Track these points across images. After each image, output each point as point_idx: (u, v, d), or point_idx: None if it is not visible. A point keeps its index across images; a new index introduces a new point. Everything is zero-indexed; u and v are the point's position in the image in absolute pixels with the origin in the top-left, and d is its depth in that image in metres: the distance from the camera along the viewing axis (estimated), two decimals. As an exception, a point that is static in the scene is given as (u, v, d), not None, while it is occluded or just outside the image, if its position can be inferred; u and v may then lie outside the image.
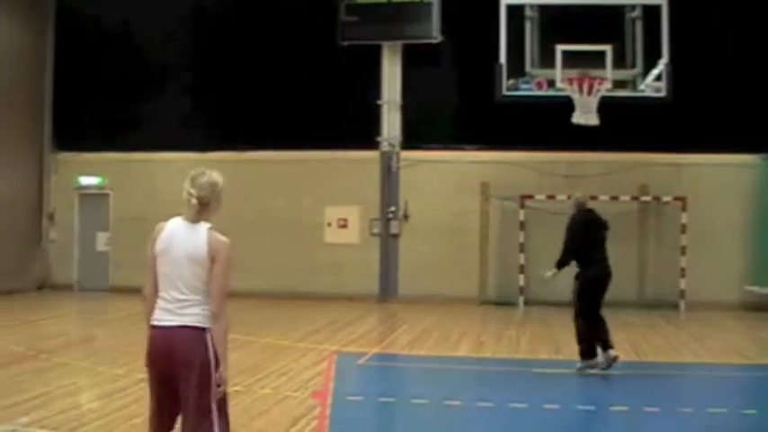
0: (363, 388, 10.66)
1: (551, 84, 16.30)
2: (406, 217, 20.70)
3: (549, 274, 11.29)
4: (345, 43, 20.40)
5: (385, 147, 20.79)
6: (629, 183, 19.48)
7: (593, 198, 17.89)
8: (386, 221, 20.69)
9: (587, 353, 11.15)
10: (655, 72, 16.24)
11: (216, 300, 5.06)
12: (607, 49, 15.92)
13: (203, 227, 5.13)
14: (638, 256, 19.49)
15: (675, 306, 19.04)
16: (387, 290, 20.55)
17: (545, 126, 17.80)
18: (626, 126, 17.92)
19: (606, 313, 11.29)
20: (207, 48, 21.68)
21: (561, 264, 11.25)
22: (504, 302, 19.69)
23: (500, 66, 16.63)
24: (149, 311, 5.17)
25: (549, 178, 19.74)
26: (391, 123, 20.91)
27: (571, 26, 16.35)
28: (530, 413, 8.99)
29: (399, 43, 20.75)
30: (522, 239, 19.59)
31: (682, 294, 19.16)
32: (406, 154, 20.77)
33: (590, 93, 15.74)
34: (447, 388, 10.48)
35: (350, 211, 20.92)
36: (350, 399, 9.70)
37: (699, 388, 10.99)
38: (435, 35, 20.11)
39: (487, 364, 12.68)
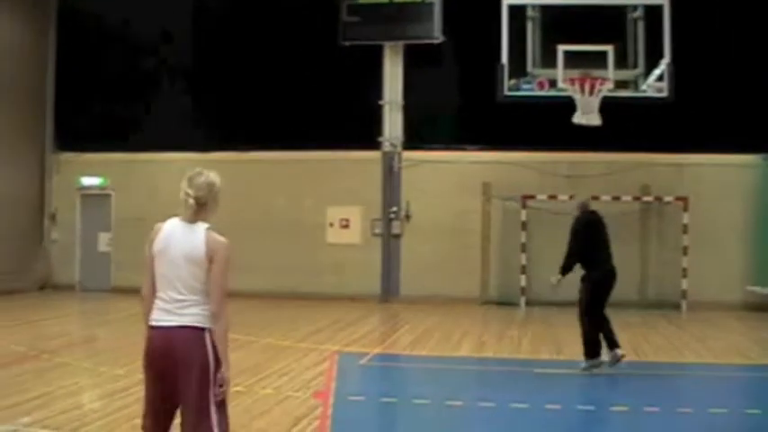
0: (365, 388, 10.66)
1: (553, 84, 16.30)
2: (407, 217, 20.71)
3: (553, 280, 11.29)
4: (347, 43, 20.41)
5: (387, 147, 20.79)
6: (631, 183, 19.48)
7: (595, 198, 17.93)
8: (388, 222, 20.70)
9: (592, 352, 11.16)
10: (656, 72, 16.24)
11: (215, 300, 5.05)
12: (609, 49, 15.91)
13: (201, 227, 5.13)
14: (640, 257, 19.49)
15: (677, 306, 19.03)
16: (388, 290, 20.56)
17: (547, 126, 17.80)
18: (628, 126, 17.93)
19: (608, 313, 11.29)
20: (208, 48, 21.70)
21: (565, 269, 11.24)
22: (506, 302, 19.69)
23: (502, 66, 16.63)
24: (147, 312, 5.16)
25: (550, 178, 19.74)
26: (393, 123, 20.91)
27: (573, 26, 16.35)
28: (531, 413, 8.99)
29: (401, 43, 20.75)
30: (523, 239, 19.59)
31: (683, 294, 19.15)
32: (407, 154, 20.77)
33: (591, 93, 15.74)
34: (449, 388, 10.47)
35: (352, 212, 20.92)
36: (351, 399, 9.69)
37: (700, 388, 10.98)
38: (437, 35, 20.11)
39: (489, 364, 12.68)
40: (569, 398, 9.81)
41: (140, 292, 5.25)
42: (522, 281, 19.59)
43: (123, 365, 10.54)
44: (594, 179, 19.27)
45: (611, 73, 15.87)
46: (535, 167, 19.88)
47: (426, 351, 13.45)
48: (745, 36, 18.82)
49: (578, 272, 11.30)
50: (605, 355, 11.18)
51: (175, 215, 5.22)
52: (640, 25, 16.49)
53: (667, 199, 19.53)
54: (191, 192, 5.13)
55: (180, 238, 5.10)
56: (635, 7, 16.57)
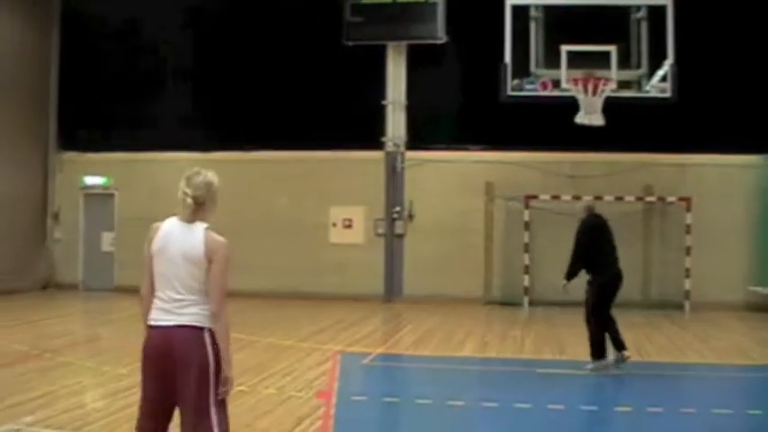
0: (368, 388, 10.67)
1: (556, 84, 16.28)
2: (410, 217, 20.71)
3: (562, 284, 11.30)
4: (350, 43, 20.41)
5: (390, 147, 20.79)
6: (634, 183, 19.48)
7: (598, 198, 17.95)
8: (391, 221, 20.69)
9: (598, 353, 11.17)
10: (660, 73, 16.22)
11: (215, 300, 5.04)
12: (612, 49, 15.88)
13: (200, 227, 5.12)
14: (643, 257, 19.48)
15: (680, 306, 19.02)
16: (391, 290, 20.56)
17: (550, 126, 17.79)
18: (631, 126, 17.93)
19: (614, 313, 11.31)
20: (212, 48, 21.70)
21: (571, 275, 11.25)
22: (509, 302, 19.69)
23: (505, 66, 16.60)
24: (146, 311, 5.16)
25: (553, 178, 19.74)
26: (396, 123, 20.90)
27: (576, 26, 16.33)
28: (534, 413, 8.99)
29: (404, 43, 20.76)
30: (526, 239, 19.59)
31: (686, 295, 19.13)
32: (410, 154, 20.78)
33: (595, 93, 15.72)
34: (451, 388, 10.48)
35: (355, 212, 20.93)
36: (354, 399, 9.70)
37: (703, 388, 10.99)
38: (440, 35, 20.11)
39: (492, 364, 12.68)
40: (572, 398, 9.80)
41: (139, 292, 5.27)
42: (525, 281, 19.59)
43: (126, 365, 10.55)
44: (597, 179, 19.29)
45: (615, 73, 15.85)
46: (538, 167, 19.87)
47: (429, 351, 13.45)
48: (748, 37, 18.81)
49: (585, 274, 11.32)
50: (611, 355, 11.20)
51: (174, 215, 5.23)
52: (644, 25, 16.45)
53: (670, 199, 19.52)
54: (189, 191, 5.12)
55: (178, 238, 5.09)
56: (638, 7, 16.53)
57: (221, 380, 5.05)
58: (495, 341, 14.65)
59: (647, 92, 16.51)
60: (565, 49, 15.98)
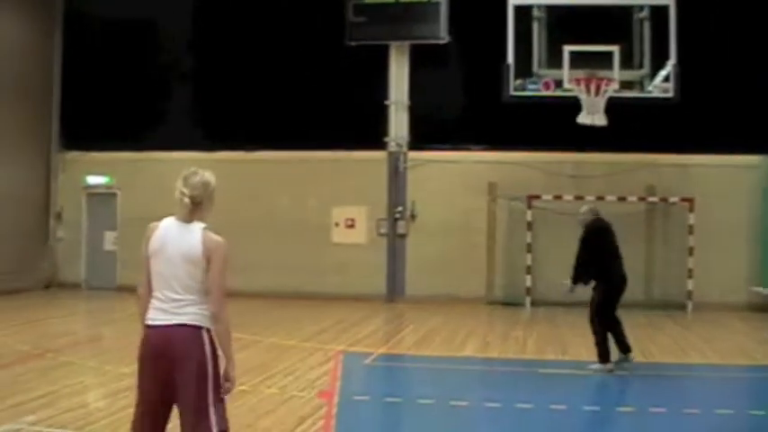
0: (370, 388, 10.68)
1: (559, 84, 16.28)
2: (413, 217, 20.70)
3: (567, 284, 11.31)
4: (353, 43, 20.41)
5: (392, 147, 20.78)
6: (636, 183, 19.47)
7: (600, 199, 17.99)
8: (393, 221, 20.69)
9: (604, 356, 11.17)
10: (662, 73, 16.22)
11: (215, 300, 5.04)
12: (615, 49, 15.89)
13: (197, 226, 5.12)
14: (645, 257, 19.45)
15: (682, 307, 19.00)
16: (394, 290, 20.55)
17: (552, 126, 17.78)
18: (633, 127, 17.92)
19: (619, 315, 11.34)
20: (214, 47, 21.68)
21: (576, 279, 11.26)
22: (511, 303, 19.68)
23: (507, 66, 16.61)
24: (144, 311, 5.16)
25: (556, 178, 19.73)
26: (398, 123, 20.90)
27: (579, 27, 16.33)
28: (536, 414, 8.98)
29: (407, 43, 20.75)
30: (529, 240, 19.58)
31: (689, 295, 19.11)
32: (413, 154, 20.77)
33: (597, 93, 15.71)
34: (453, 388, 10.48)
35: (357, 212, 20.92)
36: (356, 399, 9.70)
37: (706, 389, 10.99)
38: (443, 35, 20.10)
39: (494, 364, 12.67)
40: (575, 398, 9.80)
41: (136, 292, 5.27)
42: (528, 281, 19.58)
43: (128, 364, 10.48)
44: (600, 179, 19.29)
45: (617, 73, 15.85)
46: (541, 167, 19.86)
47: (431, 351, 13.46)
48: (751, 37, 18.78)
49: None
50: (617, 356, 11.23)
51: (174, 214, 5.23)
52: (646, 26, 16.45)
53: (673, 200, 19.51)
54: (186, 191, 5.12)
55: (176, 238, 5.09)
56: (641, 8, 16.53)
57: (220, 379, 5.05)
58: (498, 341, 14.64)
59: (650, 92, 16.52)
60: (567, 49, 15.99)
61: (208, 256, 5.03)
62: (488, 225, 20.31)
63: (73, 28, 22.26)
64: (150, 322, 5.10)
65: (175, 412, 5.09)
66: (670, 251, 19.60)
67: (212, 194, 5.22)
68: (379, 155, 20.70)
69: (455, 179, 20.43)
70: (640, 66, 16.52)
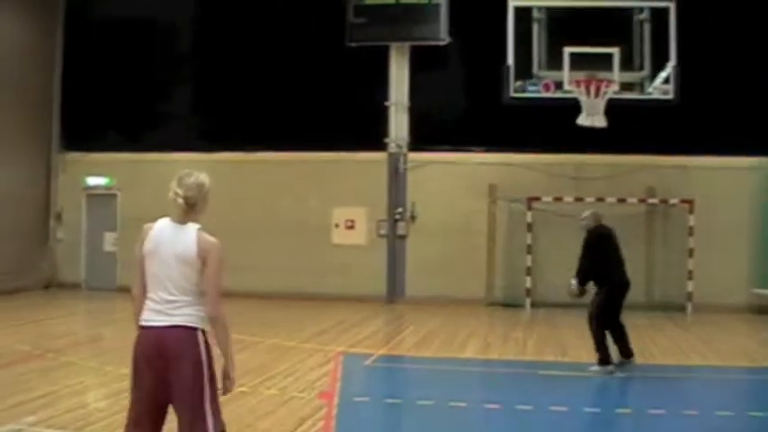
0: (370, 389, 10.67)
1: (559, 86, 16.30)
2: (413, 218, 20.69)
3: (573, 284, 11.33)
4: (353, 44, 20.40)
5: (392, 148, 20.78)
6: (637, 185, 19.47)
7: (600, 200, 18.00)
8: (393, 223, 20.68)
9: (605, 359, 11.17)
10: (662, 75, 16.23)
11: (211, 301, 5.04)
12: (615, 51, 15.89)
13: (192, 227, 5.12)
14: (646, 259, 19.44)
15: (683, 308, 19.00)
16: (394, 291, 20.54)
17: (552, 128, 17.79)
18: (633, 128, 17.91)
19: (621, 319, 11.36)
20: (215, 49, 21.70)
21: (582, 283, 11.28)
22: (511, 304, 19.68)
23: (507, 67, 16.63)
24: (138, 312, 5.16)
25: (556, 180, 19.73)
26: (399, 125, 20.89)
27: (579, 28, 16.34)
28: (536, 415, 8.98)
29: (407, 45, 20.75)
30: (529, 241, 19.57)
31: (689, 297, 19.11)
32: (413, 155, 20.77)
33: (597, 95, 15.72)
34: (453, 389, 10.47)
35: (357, 213, 20.92)
36: (356, 400, 9.70)
37: (706, 391, 10.98)
38: (443, 37, 20.10)
39: (494, 365, 12.67)
40: (575, 400, 9.78)
41: (131, 293, 5.27)
42: (528, 282, 19.58)
43: (129, 365, 10.52)
44: (600, 181, 19.29)
45: (617, 75, 15.86)
46: (541, 169, 19.87)
47: (431, 352, 13.45)
48: (751, 39, 18.78)
49: (593, 285, 11.36)
50: (617, 359, 11.24)
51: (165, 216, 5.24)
52: (646, 27, 16.46)
53: (673, 201, 19.50)
54: (180, 192, 5.12)
55: (171, 239, 5.09)
56: (641, 9, 16.55)
57: (215, 380, 5.06)
58: (498, 343, 14.64)
59: (650, 94, 16.54)
60: (567, 50, 15.99)
61: (203, 257, 5.04)
62: (488, 226, 20.31)
63: (73, 28, 22.27)
64: (144, 323, 5.09)
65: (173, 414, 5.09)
66: (670, 253, 19.59)
67: (207, 196, 5.22)
68: (379, 156, 20.69)
69: (455, 180, 20.44)
70: (640, 67, 16.54)
